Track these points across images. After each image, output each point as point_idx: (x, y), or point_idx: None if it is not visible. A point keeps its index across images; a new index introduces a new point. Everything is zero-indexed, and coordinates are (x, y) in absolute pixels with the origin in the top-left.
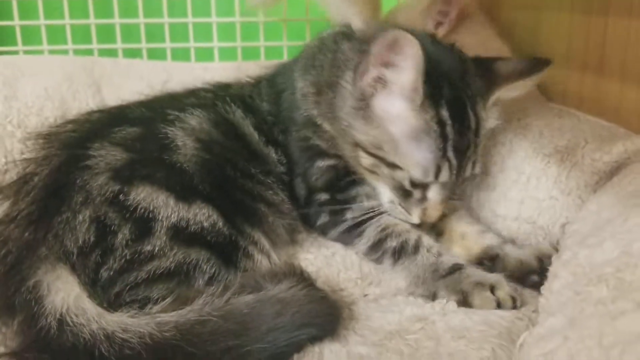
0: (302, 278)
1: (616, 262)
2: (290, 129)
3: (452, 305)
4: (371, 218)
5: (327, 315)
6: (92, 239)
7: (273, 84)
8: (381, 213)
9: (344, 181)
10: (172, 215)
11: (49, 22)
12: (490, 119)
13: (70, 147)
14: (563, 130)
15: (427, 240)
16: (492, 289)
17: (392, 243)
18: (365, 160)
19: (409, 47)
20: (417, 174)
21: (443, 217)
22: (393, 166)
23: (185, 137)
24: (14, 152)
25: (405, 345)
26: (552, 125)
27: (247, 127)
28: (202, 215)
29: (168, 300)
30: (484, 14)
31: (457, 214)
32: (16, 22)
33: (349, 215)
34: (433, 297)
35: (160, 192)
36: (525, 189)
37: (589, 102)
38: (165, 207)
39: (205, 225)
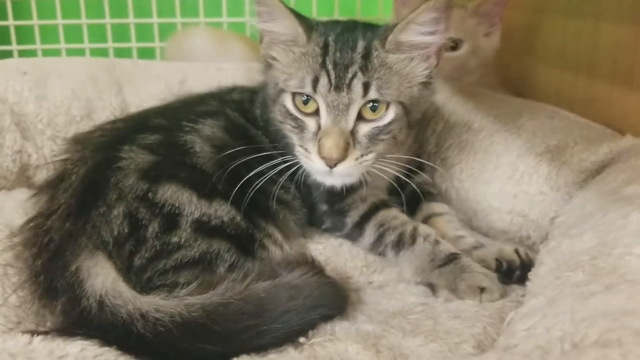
0: (313, 266)
1: (593, 251)
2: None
3: None
4: (368, 217)
5: (335, 297)
6: (125, 230)
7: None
8: (376, 207)
9: (340, 193)
10: (196, 211)
11: (66, 21)
12: (396, 55)
13: (103, 150)
14: (554, 130)
15: (423, 229)
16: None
17: (391, 237)
18: (277, 114)
19: None
20: (295, 84)
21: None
22: (280, 93)
23: (202, 144)
24: (44, 149)
25: (407, 324)
26: (544, 126)
27: (253, 129)
28: (222, 210)
29: (193, 284)
30: None
31: (445, 216)
32: (35, 21)
33: (348, 220)
34: (430, 286)
35: (184, 190)
36: (519, 185)
37: (581, 101)
38: (189, 204)
39: (225, 220)
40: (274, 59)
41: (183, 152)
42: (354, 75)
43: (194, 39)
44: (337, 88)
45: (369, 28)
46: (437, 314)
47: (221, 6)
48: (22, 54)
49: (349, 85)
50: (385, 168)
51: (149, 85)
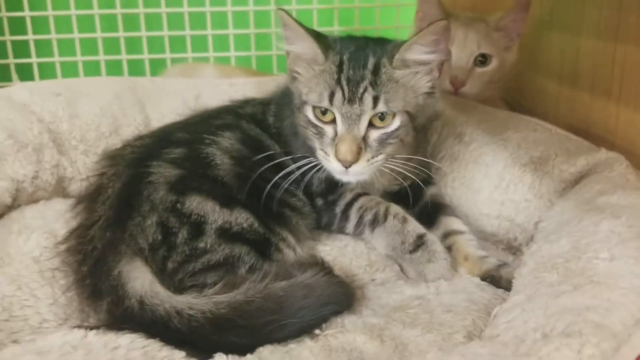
0: (323, 267)
1: (567, 255)
2: (294, 147)
3: (444, 286)
4: (351, 204)
5: (344, 295)
6: (159, 238)
7: (278, 104)
8: (359, 195)
9: (333, 185)
10: (219, 219)
11: (82, 35)
12: (402, 70)
13: (134, 166)
14: (537, 143)
15: (394, 208)
16: None
17: (368, 216)
18: (301, 121)
19: (287, 19)
20: (315, 98)
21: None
22: (303, 104)
23: (222, 156)
24: (77, 163)
25: (406, 317)
26: (528, 139)
27: (268, 140)
28: (241, 218)
29: (219, 285)
30: None
31: (465, 235)
32: (53, 35)
33: (337, 210)
34: (400, 266)
35: (208, 200)
36: (506, 193)
37: (565, 108)
38: (213, 213)
39: (245, 226)
40: (298, 73)
41: (205, 165)
42: (365, 90)
43: (202, 71)
44: (350, 101)
45: (379, 45)
46: (432, 308)
47: (227, 19)
48: (41, 66)
49: (361, 99)
50: (392, 166)
51: (167, 102)
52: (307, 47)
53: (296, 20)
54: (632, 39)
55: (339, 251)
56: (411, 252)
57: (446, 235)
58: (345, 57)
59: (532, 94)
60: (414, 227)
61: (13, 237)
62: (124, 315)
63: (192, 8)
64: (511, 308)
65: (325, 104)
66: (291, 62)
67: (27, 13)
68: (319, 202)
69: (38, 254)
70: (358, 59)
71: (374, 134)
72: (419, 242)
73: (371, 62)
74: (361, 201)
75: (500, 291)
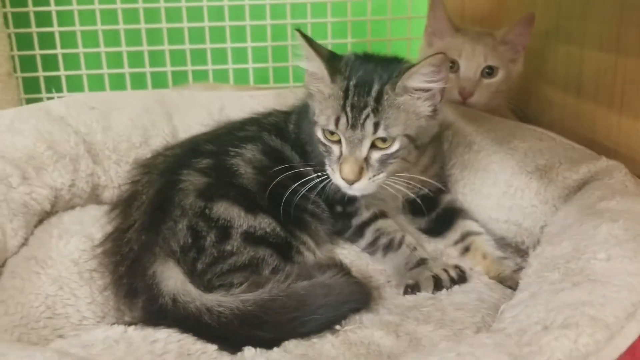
0: (341, 268)
1: (568, 256)
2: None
3: (456, 287)
4: (368, 223)
5: (362, 294)
6: (189, 241)
7: (299, 114)
8: (377, 216)
9: (352, 198)
10: (244, 224)
11: (108, 49)
12: (403, 97)
13: (166, 174)
14: (543, 151)
15: (408, 238)
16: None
17: (384, 240)
18: (315, 136)
19: (303, 41)
20: (323, 121)
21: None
22: (315, 124)
23: (245, 167)
24: (110, 172)
25: (420, 315)
26: (534, 147)
27: (288, 151)
28: (264, 223)
29: (245, 284)
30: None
31: (483, 236)
32: (80, 49)
33: (354, 222)
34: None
35: (234, 206)
36: (513, 199)
37: (570, 117)
38: (239, 218)
39: (268, 230)
40: (312, 90)
41: (230, 174)
42: (367, 117)
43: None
44: (353, 126)
45: (386, 69)
46: (444, 307)
47: (245, 32)
48: (69, 78)
49: (363, 125)
50: (396, 185)
51: (193, 113)
52: (317, 68)
53: (310, 42)
54: (632, 51)
55: (356, 254)
56: (411, 269)
57: (464, 236)
58: (351, 84)
59: (538, 104)
60: (420, 253)
61: (54, 241)
62: (158, 312)
63: (213, 23)
64: (516, 304)
65: (331, 127)
66: (308, 79)
67: (55, 28)
68: (338, 208)
69: (77, 256)
70: (363, 85)
71: (376, 155)
72: (420, 262)
73: (375, 89)
74: (379, 223)
75: (509, 290)
